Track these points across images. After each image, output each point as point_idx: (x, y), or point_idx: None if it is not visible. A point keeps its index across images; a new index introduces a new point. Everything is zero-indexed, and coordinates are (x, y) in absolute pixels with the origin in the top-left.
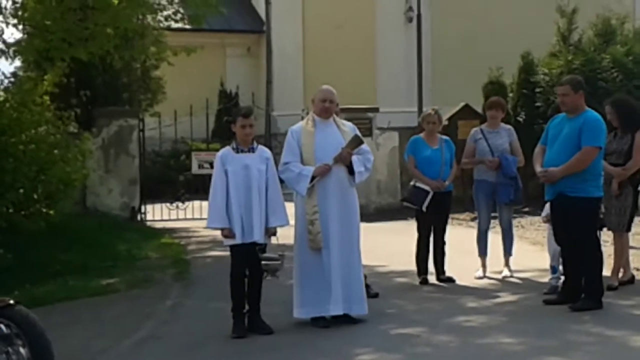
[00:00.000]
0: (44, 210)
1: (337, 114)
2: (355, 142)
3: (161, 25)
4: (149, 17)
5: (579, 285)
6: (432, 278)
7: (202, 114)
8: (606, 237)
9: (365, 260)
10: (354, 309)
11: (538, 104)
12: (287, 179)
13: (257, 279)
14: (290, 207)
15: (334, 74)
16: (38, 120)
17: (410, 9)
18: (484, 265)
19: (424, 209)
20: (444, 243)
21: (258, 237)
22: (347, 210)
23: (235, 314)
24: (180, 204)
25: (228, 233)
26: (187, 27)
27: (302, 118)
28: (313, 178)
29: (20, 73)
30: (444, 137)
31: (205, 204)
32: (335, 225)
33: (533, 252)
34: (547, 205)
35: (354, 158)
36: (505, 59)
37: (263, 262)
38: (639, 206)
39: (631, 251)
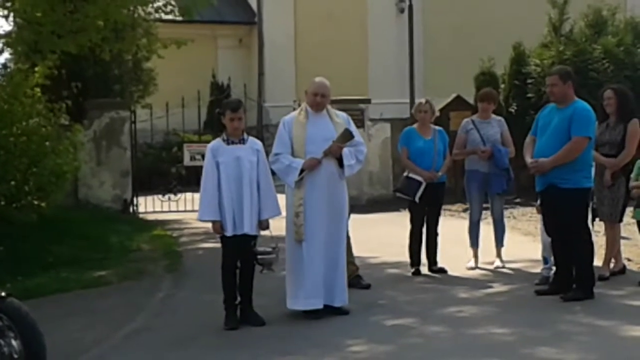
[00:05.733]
0: (36, 202)
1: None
2: (346, 136)
3: (151, 17)
4: (140, 9)
5: (570, 275)
6: (424, 269)
7: (193, 105)
8: (598, 228)
9: (357, 252)
10: (336, 301)
11: (530, 94)
12: (277, 170)
13: (248, 270)
14: (282, 199)
15: (325, 65)
16: (29, 113)
17: None
18: (475, 256)
19: (416, 199)
20: (436, 234)
21: (248, 229)
22: (335, 203)
23: (228, 306)
24: (172, 195)
25: (218, 227)
26: (178, 18)
27: (294, 109)
28: (302, 170)
29: (11, 65)
30: (437, 127)
31: (197, 195)
32: (322, 218)
33: (525, 243)
34: None
35: (345, 150)
36: (496, 49)
37: (259, 257)
38: (632, 196)
39: (622, 241)
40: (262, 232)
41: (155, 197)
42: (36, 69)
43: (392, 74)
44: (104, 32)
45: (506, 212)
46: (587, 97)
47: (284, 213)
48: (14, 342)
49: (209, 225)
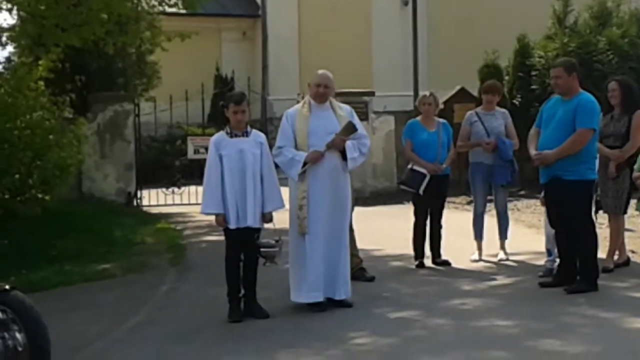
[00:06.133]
0: (40, 196)
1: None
2: (349, 129)
3: (155, 9)
4: (143, 2)
5: (574, 267)
6: (427, 261)
7: (197, 98)
8: (602, 220)
9: (361, 244)
10: (338, 294)
11: (534, 86)
12: (280, 163)
13: (252, 263)
14: (285, 192)
15: (329, 58)
16: (33, 106)
17: None
18: (479, 248)
19: (421, 192)
20: (440, 226)
21: (251, 221)
22: (338, 196)
23: (231, 299)
24: (176, 189)
25: (221, 220)
26: (182, 11)
27: (298, 102)
28: (305, 163)
29: (15, 58)
30: (441, 120)
31: (201, 188)
32: (325, 211)
33: (528, 235)
34: None
35: (348, 143)
36: (501, 42)
37: (262, 250)
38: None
39: (626, 233)
40: (266, 225)
41: (159, 190)
42: (40, 62)
43: (396, 66)
44: (107, 26)
45: (510, 205)
46: (592, 89)
47: (287, 206)
48: (18, 335)
49: (213, 218)
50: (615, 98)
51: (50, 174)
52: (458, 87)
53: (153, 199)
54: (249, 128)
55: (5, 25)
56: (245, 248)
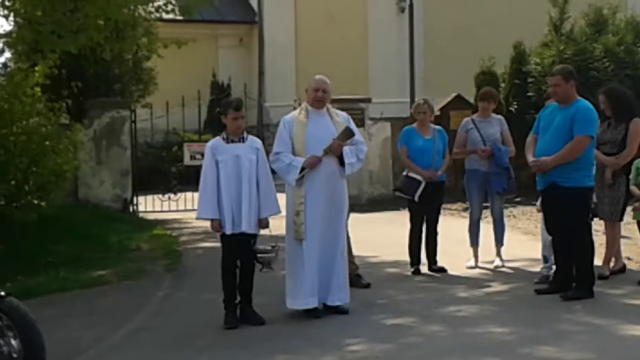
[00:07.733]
0: (36, 201)
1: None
2: (346, 134)
3: (152, 16)
4: (140, 8)
5: (570, 274)
6: (423, 268)
7: (194, 105)
8: (598, 227)
9: (357, 251)
10: (331, 299)
11: (530, 93)
12: (277, 169)
13: (248, 269)
14: (282, 198)
15: (326, 64)
16: (29, 112)
17: None
18: (475, 255)
19: (416, 198)
20: (436, 233)
21: (246, 227)
22: (335, 201)
23: (227, 305)
24: (172, 195)
25: (217, 225)
26: (179, 18)
27: (294, 109)
28: (303, 169)
29: (11, 64)
30: (437, 127)
31: (197, 195)
32: (322, 217)
33: (525, 242)
34: None
35: (346, 149)
36: (497, 48)
37: (258, 255)
38: (633, 195)
39: (622, 240)
40: (262, 231)
41: (155, 196)
42: (36, 68)
43: (393, 73)
44: (105, 32)
45: (506, 211)
46: (588, 96)
47: (283, 212)
48: (13, 342)
49: (209, 223)
50: (607, 109)
51: (46, 180)
52: (454, 94)
53: (149, 205)
54: (245, 134)
55: (1, 31)
56: (241, 254)
